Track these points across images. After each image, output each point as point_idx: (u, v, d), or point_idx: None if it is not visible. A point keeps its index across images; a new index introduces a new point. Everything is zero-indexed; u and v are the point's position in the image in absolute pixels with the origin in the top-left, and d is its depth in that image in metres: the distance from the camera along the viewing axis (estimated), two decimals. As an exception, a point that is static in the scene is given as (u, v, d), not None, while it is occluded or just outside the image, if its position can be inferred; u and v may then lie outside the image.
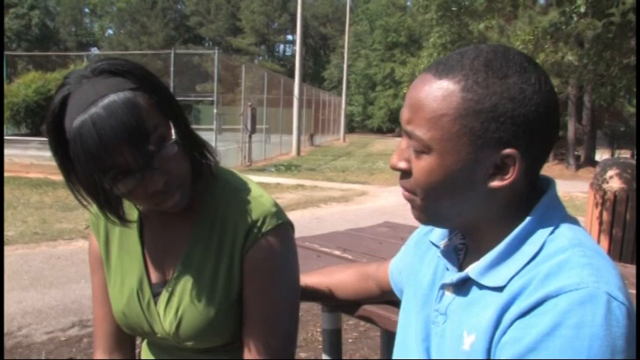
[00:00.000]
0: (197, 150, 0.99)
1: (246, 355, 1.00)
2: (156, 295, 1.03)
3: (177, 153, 0.89)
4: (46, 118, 0.87)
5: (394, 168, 0.82)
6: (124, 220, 0.98)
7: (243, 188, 1.04)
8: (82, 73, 0.86)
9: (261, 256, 0.99)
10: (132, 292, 1.04)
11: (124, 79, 0.86)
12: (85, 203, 0.94)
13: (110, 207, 0.95)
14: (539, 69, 0.76)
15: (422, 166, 0.76)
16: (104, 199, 0.92)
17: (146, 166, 0.86)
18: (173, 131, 0.90)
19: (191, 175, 0.96)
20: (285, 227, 1.02)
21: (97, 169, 0.84)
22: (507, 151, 0.73)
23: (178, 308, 1.00)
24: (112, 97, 0.83)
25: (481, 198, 0.77)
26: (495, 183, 0.75)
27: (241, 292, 1.01)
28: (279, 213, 1.02)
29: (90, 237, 1.13)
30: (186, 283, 1.01)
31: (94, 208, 1.08)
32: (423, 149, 0.75)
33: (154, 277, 1.05)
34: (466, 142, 0.73)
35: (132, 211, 1.05)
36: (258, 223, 0.99)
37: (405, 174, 0.80)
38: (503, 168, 0.74)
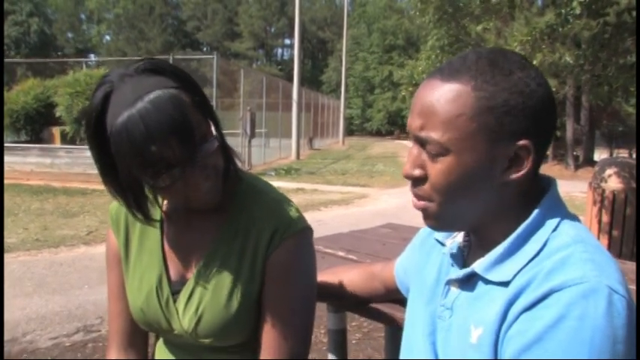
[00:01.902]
0: (226, 153, 1.02)
1: (263, 354, 1.03)
2: (174, 293, 1.05)
3: (217, 150, 0.93)
4: (86, 114, 0.89)
5: (408, 177, 0.82)
6: (149, 219, 1.00)
7: (267, 192, 1.08)
8: (124, 71, 0.89)
9: (283, 258, 1.02)
10: (151, 289, 1.06)
11: (166, 78, 0.89)
12: (119, 199, 0.97)
13: (138, 206, 0.97)
14: (534, 65, 0.81)
15: (440, 168, 0.78)
16: (133, 197, 0.95)
17: (188, 161, 0.88)
18: (213, 129, 0.94)
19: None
20: (307, 232, 1.05)
21: (140, 162, 0.86)
22: (521, 142, 0.76)
23: (199, 306, 1.02)
24: (158, 93, 0.85)
25: (494, 194, 0.79)
26: (512, 176, 0.77)
27: (261, 292, 1.03)
28: (301, 218, 1.05)
29: (108, 234, 1.15)
30: (208, 282, 1.03)
31: (114, 206, 1.12)
32: (440, 151, 0.77)
33: (174, 275, 1.07)
34: (483, 138, 0.75)
35: (155, 211, 1.07)
36: (283, 227, 1.02)
37: (419, 181, 0.82)
38: (516, 160, 0.77)
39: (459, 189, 0.78)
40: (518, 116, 0.75)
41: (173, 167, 0.88)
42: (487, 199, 0.80)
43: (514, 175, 0.78)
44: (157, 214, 1.07)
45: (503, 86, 0.75)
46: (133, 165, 0.87)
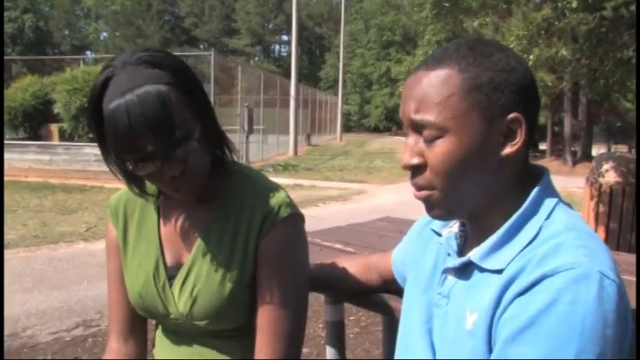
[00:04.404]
0: (219, 146, 1.06)
1: (259, 337, 1.05)
2: (171, 278, 1.09)
3: (198, 149, 0.96)
4: (90, 94, 0.95)
5: (407, 166, 0.83)
6: (144, 192, 1.06)
7: (259, 180, 1.12)
8: (127, 59, 0.93)
9: (275, 242, 1.05)
10: (148, 274, 1.10)
11: (163, 72, 0.93)
12: (115, 170, 1.02)
13: (134, 181, 1.03)
14: (510, 48, 0.87)
15: (438, 152, 0.80)
16: (129, 173, 1.00)
17: (166, 156, 0.93)
18: (198, 129, 0.96)
19: (210, 167, 1.03)
20: (298, 217, 1.09)
21: (121, 149, 0.92)
22: (512, 115, 0.79)
23: (193, 289, 1.06)
24: (148, 88, 0.90)
25: (492, 174, 0.81)
26: (508, 150, 0.80)
27: (254, 276, 1.06)
28: (292, 204, 1.09)
29: (108, 226, 1.19)
30: (202, 265, 1.07)
31: (114, 198, 1.18)
32: (436, 134, 0.79)
33: (170, 260, 1.11)
34: (476, 116, 0.78)
35: (151, 189, 1.12)
36: (274, 212, 1.05)
37: (419, 169, 0.83)
38: (510, 134, 0.80)
39: (459, 170, 0.80)
40: (504, 91, 0.79)
41: (150, 160, 0.93)
42: (486, 180, 0.81)
43: (510, 150, 0.80)
44: (152, 188, 1.12)
45: (487, 66, 0.79)
46: (117, 149, 0.93)
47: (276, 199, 1.07)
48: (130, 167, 0.94)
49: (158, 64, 0.93)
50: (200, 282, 1.06)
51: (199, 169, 0.99)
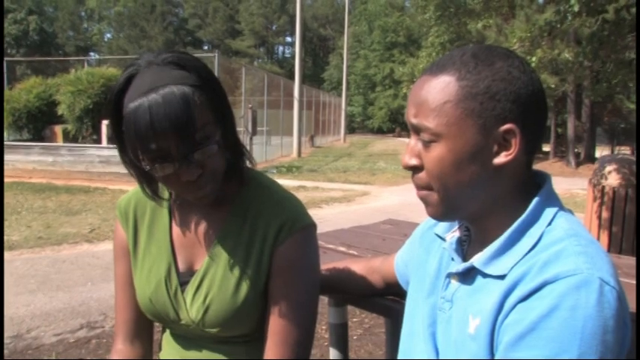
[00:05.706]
0: (236, 153, 1.06)
1: (269, 344, 1.06)
2: (183, 284, 1.09)
3: (216, 153, 0.96)
4: (110, 90, 0.94)
5: (406, 167, 0.87)
6: (157, 196, 1.05)
7: (274, 189, 1.12)
8: (152, 59, 0.93)
9: (290, 252, 1.05)
10: (160, 280, 1.10)
11: (188, 74, 0.93)
12: (130, 171, 1.01)
13: (147, 181, 1.03)
14: (520, 57, 0.85)
15: (433, 155, 0.82)
16: (144, 174, 1.00)
17: (185, 158, 0.92)
18: (218, 133, 0.96)
19: (226, 173, 1.03)
20: (312, 228, 1.10)
21: (140, 148, 0.91)
22: (507, 126, 0.80)
23: (207, 296, 1.06)
24: (172, 89, 0.89)
25: (489, 181, 0.82)
26: (500, 159, 0.81)
27: (267, 284, 1.07)
28: (307, 214, 1.09)
29: (116, 227, 1.19)
30: (215, 273, 1.07)
31: (123, 199, 1.17)
32: (431, 138, 0.82)
33: (182, 266, 1.11)
34: (470, 123, 0.80)
35: (164, 191, 1.12)
36: (290, 222, 1.06)
37: (417, 170, 0.86)
38: (505, 145, 0.81)
39: (452, 174, 0.82)
40: (501, 101, 0.79)
41: (168, 161, 0.92)
42: (483, 186, 0.83)
43: (503, 159, 0.81)
44: (165, 193, 1.12)
45: (486, 74, 0.80)
46: (135, 148, 0.92)
47: (292, 209, 1.08)
48: (147, 167, 0.94)
49: (184, 65, 0.93)
50: (214, 289, 1.06)
51: (216, 174, 0.99)
